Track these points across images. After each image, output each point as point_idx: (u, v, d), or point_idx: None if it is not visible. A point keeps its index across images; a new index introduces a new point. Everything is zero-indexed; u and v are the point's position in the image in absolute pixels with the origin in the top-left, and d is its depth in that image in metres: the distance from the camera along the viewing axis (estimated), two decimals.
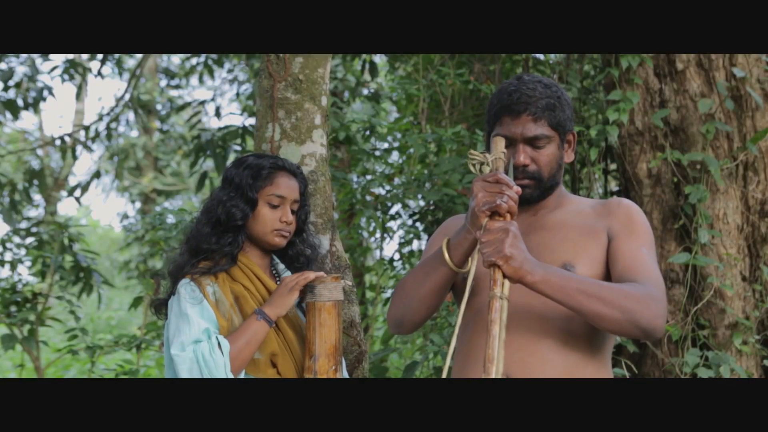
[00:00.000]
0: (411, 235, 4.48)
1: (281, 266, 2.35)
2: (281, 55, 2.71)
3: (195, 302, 2.10)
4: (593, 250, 1.88)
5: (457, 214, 2.17)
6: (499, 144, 1.82)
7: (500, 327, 1.60)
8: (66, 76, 6.73)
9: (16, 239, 5.15)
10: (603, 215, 1.94)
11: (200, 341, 2.05)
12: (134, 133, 12.96)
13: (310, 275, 2.13)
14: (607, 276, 1.87)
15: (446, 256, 1.84)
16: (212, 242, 2.19)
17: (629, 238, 1.88)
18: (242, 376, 2.11)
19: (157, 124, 12.10)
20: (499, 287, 1.64)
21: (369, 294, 5.31)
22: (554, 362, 1.81)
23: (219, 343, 2.05)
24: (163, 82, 12.57)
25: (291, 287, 2.12)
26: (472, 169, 1.81)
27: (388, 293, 4.82)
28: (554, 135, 1.93)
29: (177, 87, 11.76)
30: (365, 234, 5.28)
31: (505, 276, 1.65)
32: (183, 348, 2.05)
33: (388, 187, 4.45)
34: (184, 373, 2.03)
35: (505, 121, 1.92)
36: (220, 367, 2.03)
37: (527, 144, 1.91)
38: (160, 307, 2.23)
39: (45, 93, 6.64)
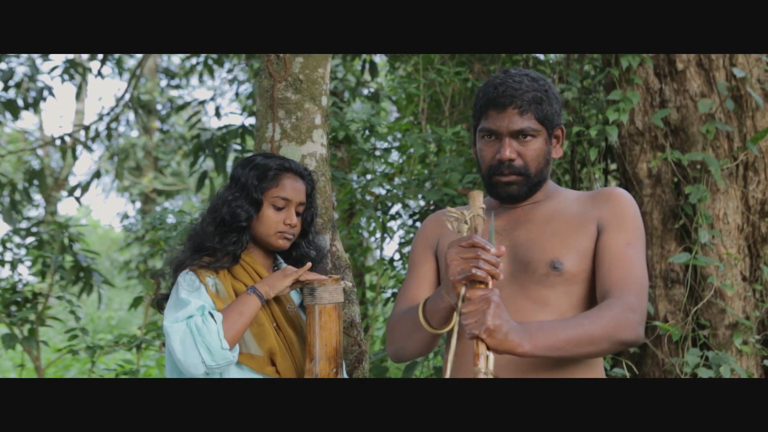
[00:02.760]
0: (411, 235, 4.48)
1: (284, 266, 2.34)
2: (281, 55, 2.71)
3: (192, 289, 2.11)
4: (581, 244, 1.86)
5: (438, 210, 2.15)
6: (477, 199, 1.66)
7: None
8: (66, 76, 6.73)
9: (17, 239, 5.15)
10: (593, 205, 1.91)
11: (193, 316, 2.05)
12: (134, 133, 12.97)
13: (311, 275, 2.14)
14: (593, 267, 1.85)
15: (424, 323, 1.80)
16: (215, 241, 2.19)
17: (618, 233, 1.85)
18: (244, 370, 2.10)
19: (157, 124, 12.11)
20: (482, 362, 1.52)
21: (369, 294, 5.31)
22: (546, 363, 1.80)
23: (212, 315, 2.05)
24: (163, 82, 12.58)
25: (288, 273, 2.14)
26: (449, 226, 1.70)
27: (389, 293, 4.82)
28: (541, 129, 1.90)
29: (177, 87, 11.76)
30: (365, 234, 5.28)
31: (489, 348, 1.54)
32: (176, 321, 2.04)
33: (388, 187, 4.45)
34: (177, 343, 2.01)
35: (491, 114, 1.89)
36: (213, 334, 2.01)
37: (513, 138, 1.88)
38: (162, 302, 2.23)
39: (45, 93, 6.64)
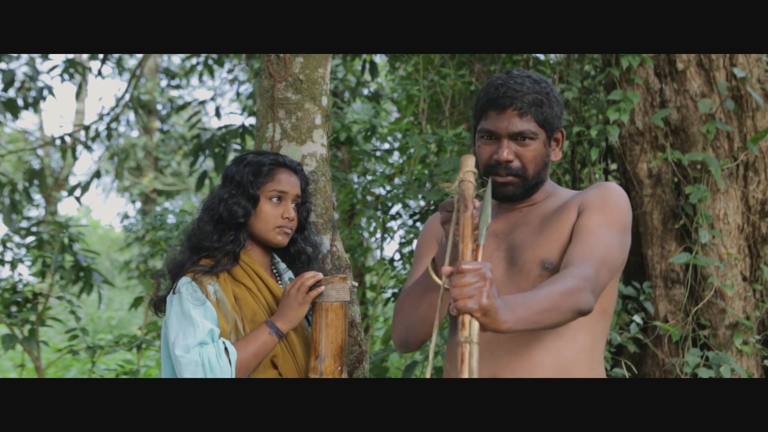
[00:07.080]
0: (411, 235, 4.48)
1: (282, 265, 2.34)
2: (281, 55, 2.71)
3: (198, 303, 2.08)
4: (565, 238, 1.84)
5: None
6: (466, 162, 1.56)
7: (471, 374, 1.41)
8: (66, 76, 6.72)
9: (17, 239, 5.15)
10: (580, 196, 1.90)
11: (206, 344, 2.04)
12: (134, 133, 12.98)
13: (310, 281, 2.12)
14: None
15: (435, 278, 1.80)
16: (214, 240, 2.18)
17: (593, 214, 1.83)
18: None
19: (157, 124, 12.11)
20: (467, 330, 1.42)
21: (369, 294, 5.32)
22: (546, 364, 1.80)
23: (226, 348, 2.04)
24: (164, 82, 12.58)
25: (300, 301, 2.11)
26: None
27: (389, 293, 4.82)
28: (540, 132, 1.89)
29: (177, 87, 11.76)
30: (366, 234, 5.29)
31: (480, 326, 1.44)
32: (188, 350, 2.03)
33: (388, 188, 4.45)
34: (188, 375, 2.02)
35: (491, 115, 1.88)
36: (226, 374, 2.02)
37: (512, 140, 1.87)
38: (160, 304, 2.22)
39: (45, 93, 6.64)
